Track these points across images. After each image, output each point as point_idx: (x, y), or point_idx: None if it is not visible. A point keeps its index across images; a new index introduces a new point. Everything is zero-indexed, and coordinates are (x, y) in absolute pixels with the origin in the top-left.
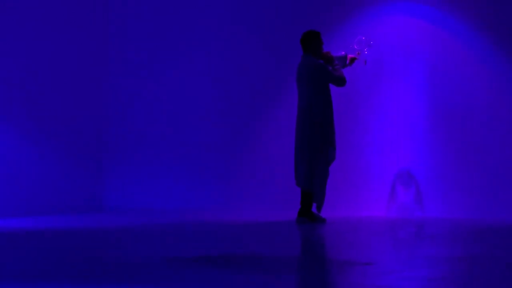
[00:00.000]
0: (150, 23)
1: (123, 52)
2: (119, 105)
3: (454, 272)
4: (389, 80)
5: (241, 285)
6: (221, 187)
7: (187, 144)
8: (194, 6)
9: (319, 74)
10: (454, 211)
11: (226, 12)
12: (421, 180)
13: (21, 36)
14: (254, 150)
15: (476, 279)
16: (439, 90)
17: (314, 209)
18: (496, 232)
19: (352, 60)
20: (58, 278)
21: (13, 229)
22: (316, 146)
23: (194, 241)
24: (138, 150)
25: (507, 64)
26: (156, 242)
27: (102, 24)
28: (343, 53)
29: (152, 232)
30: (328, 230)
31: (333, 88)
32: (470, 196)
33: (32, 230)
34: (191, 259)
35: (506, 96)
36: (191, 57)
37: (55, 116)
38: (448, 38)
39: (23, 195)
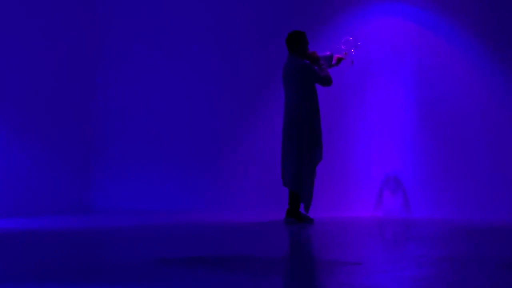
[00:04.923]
0: (138, 26)
1: (111, 55)
2: (107, 106)
3: (443, 272)
4: (376, 81)
5: (230, 286)
6: (209, 188)
7: (175, 146)
8: (182, 7)
9: (305, 74)
10: (442, 211)
11: (213, 13)
12: (409, 180)
13: (7, 37)
14: (242, 151)
15: (464, 279)
16: (427, 91)
17: (302, 209)
18: (484, 232)
19: (339, 60)
20: (47, 279)
21: (0, 230)
22: (303, 146)
23: (182, 242)
24: (126, 151)
25: (495, 66)
26: (145, 243)
27: (91, 24)
28: (328, 53)
29: (140, 234)
30: (316, 230)
31: (320, 89)
32: (458, 197)
33: (20, 232)
34: (180, 260)
35: (493, 98)
36: (180, 59)
37: (43, 118)
38: (436, 40)
39: (10, 196)
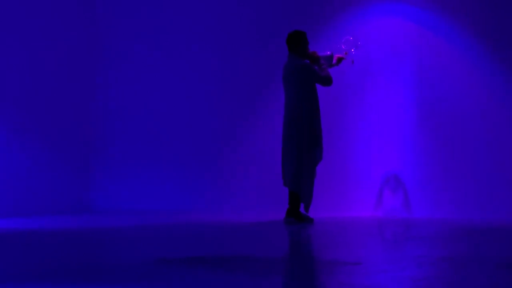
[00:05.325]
0: (138, 26)
1: (111, 55)
2: (107, 106)
3: (443, 272)
4: (376, 81)
5: (230, 286)
6: (209, 188)
7: (175, 146)
8: (182, 7)
9: (305, 74)
10: (442, 211)
11: (213, 13)
12: (409, 180)
13: (7, 37)
14: (242, 151)
15: (464, 279)
16: (427, 91)
17: (302, 209)
18: (484, 232)
19: (340, 60)
20: (47, 279)
21: (0, 230)
22: (303, 146)
23: (182, 242)
24: (126, 151)
25: (495, 66)
26: (145, 243)
27: (91, 24)
28: (328, 52)
29: (141, 233)
30: (316, 230)
31: (320, 89)
32: (458, 197)
33: (20, 232)
34: (180, 260)
35: (493, 98)
36: (180, 59)
37: (43, 118)
38: (436, 40)
39: (10, 196)
